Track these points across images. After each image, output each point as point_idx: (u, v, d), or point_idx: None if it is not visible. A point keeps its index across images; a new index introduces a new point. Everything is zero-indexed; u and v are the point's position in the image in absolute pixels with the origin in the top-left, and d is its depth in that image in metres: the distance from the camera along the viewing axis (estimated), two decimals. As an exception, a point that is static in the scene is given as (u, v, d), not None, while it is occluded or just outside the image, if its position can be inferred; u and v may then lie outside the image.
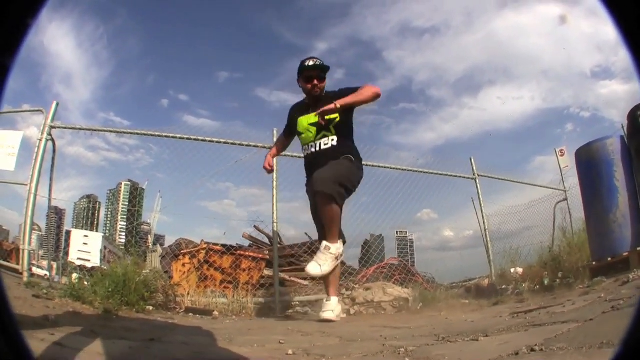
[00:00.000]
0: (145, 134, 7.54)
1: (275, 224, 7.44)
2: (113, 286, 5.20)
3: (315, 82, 5.60)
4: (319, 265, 5.15)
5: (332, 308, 5.41)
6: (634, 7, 0.89)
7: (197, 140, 7.42)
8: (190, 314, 5.78)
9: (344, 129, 5.60)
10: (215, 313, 5.93)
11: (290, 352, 2.65)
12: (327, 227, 5.24)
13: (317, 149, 5.57)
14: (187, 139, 7.43)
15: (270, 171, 6.16)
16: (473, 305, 6.66)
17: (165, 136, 7.43)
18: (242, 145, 7.65)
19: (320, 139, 5.57)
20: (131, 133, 7.79)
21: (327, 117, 5.36)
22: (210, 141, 7.44)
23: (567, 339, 2.40)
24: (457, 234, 11.62)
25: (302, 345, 2.99)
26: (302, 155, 5.83)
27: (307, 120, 5.66)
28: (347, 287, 7.30)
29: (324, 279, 5.63)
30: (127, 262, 6.03)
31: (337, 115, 5.44)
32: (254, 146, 7.68)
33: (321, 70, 5.68)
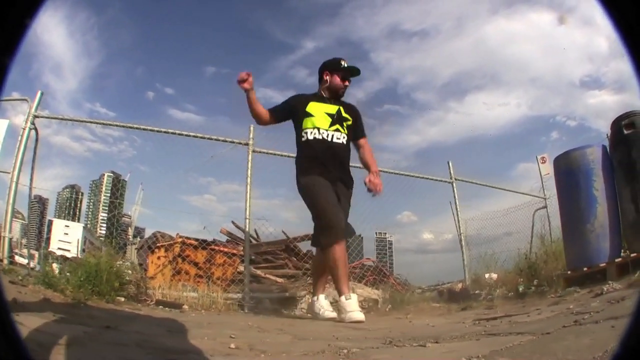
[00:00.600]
0: (125, 126, 7.59)
1: (247, 220, 7.44)
2: (85, 276, 5.29)
3: (347, 83, 5.92)
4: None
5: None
6: (633, 6, 0.88)
7: (175, 134, 7.49)
8: (160, 307, 5.83)
9: (351, 134, 5.83)
10: (185, 307, 5.98)
11: (233, 345, 2.72)
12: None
13: (330, 138, 5.66)
14: (166, 132, 7.50)
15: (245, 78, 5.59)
16: (442, 309, 6.68)
17: (144, 129, 7.50)
18: (219, 140, 7.72)
19: (334, 131, 5.69)
20: (114, 125, 7.83)
21: (343, 115, 5.78)
22: (187, 135, 7.51)
23: (513, 353, 2.39)
24: (436, 237, 11.69)
25: (251, 340, 3.05)
26: (304, 138, 5.72)
27: (322, 108, 5.79)
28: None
29: (315, 277, 5.84)
30: (101, 253, 6.12)
31: (351, 119, 5.81)
32: (230, 142, 7.75)
33: (358, 74, 6.07)
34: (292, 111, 5.86)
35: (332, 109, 5.78)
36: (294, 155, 6.13)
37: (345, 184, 5.72)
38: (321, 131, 5.67)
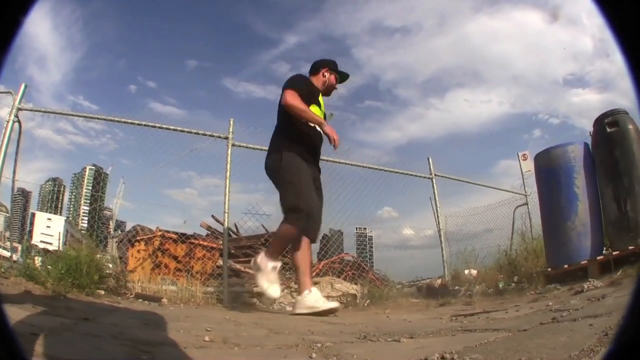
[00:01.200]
0: (106, 119, 7.56)
1: (226, 214, 7.48)
2: (65, 268, 5.31)
3: (337, 87, 6.30)
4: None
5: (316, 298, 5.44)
6: (630, 5, 0.88)
7: (155, 127, 7.50)
8: (139, 300, 5.86)
9: None
10: (164, 300, 6.01)
11: (207, 338, 2.77)
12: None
13: (320, 133, 5.81)
14: (145, 125, 7.51)
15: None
16: (420, 305, 6.71)
17: (125, 122, 7.50)
18: (199, 134, 7.73)
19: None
20: (96, 118, 7.81)
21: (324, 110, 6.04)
22: (167, 128, 7.54)
23: (486, 350, 2.36)
24: (417, 233, 11.70)
25: (226, 334, 3.09)
26: (304, 128, 5.73)
27: (321, 101, 6.01)
28: (296, 281, 7.36)
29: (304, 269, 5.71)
30: (81, 246, 6.13)
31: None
32: (210, 135, 7.76)
33: (347, 79, 6.45)
34: (309, 95, 5.85)
35: (322, 102, 6.03)
36: None
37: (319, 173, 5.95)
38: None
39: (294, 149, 5.60)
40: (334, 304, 5.49)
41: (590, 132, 6.77)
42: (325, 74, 6.09)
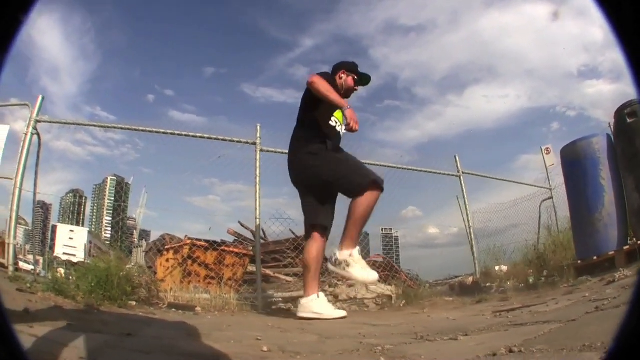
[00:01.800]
0: (130, 129, 7.50)
1: (257, 220, 7.37)
2: (95, 281, 5.21)
3: (357, 88, 6.00)
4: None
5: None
6: (628, 3, 0.89)
7: (181, 135, 7.39)
8: (173, 310, 5.72)
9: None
10: (198, 309, 5.88)
11: (265, 348, 2.66)
12: None
13: (342, 133, 5.81)
14: (172, 134, 7.39)
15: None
16: (456, 303, 6.65)
17: (150, 131, 7.41)
18: (226, 140, 7.64)
19: (342, 125, 5.71)
20: (116, 127, 7.72)
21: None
22: (194, 136, 7.43)
23: (547, 340, 2.38)
24: (442, 231, 11.66)
25: (278, 342, 2.99)
26: (329, 128, 5.74)
27: None
28: (330, 284, 7.31)
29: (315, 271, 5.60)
30: (110, 257, 6.05)
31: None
32: (237, 142, 7.67)
33: (368, 84, 6.17)
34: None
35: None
36: None
37: None
38: (338, 124, 5.77)
39: (316, 147, 5.57)
40: (341, 313, 5.37)
41: (609, 124, 7.09)
42: (342, 75, 5.92)
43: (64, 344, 2.35)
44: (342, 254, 5.22)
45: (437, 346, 2.73)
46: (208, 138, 7.55)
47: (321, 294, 5.47)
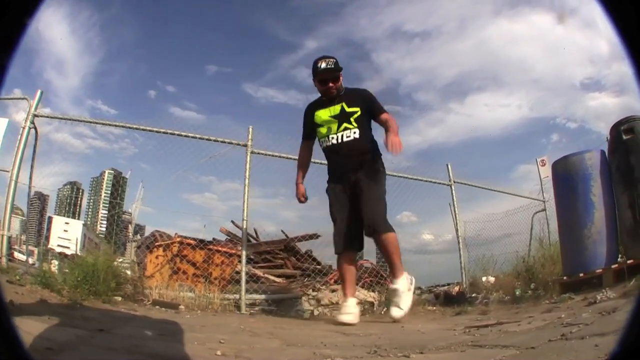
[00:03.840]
0: (125, 126, 7.60)
1: (245, 221, 7.46)
2: (82, 275, 5.33)
3: (330, 84, 5.78)
4: (401, 308, 5.52)
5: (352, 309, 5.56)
6: (634, 10, 0.89)
7: (174, 134, 7.48)
8: (157, 307, 5.84)
9: (365, 122, 5.80)
10: (181, 307, 5.99)
11: (219, 352, 2.72)
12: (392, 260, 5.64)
13: (340, 140, 5.72)
14: (164, 132, 7.50)
15: (304, 201, 6.16)
16: (436, 313, 6.72)
17: (143, 129, 7.53)
18: (217, 141, 7.71)
19: (342, 130, 5.71)
20: (112, 125, 7.83)
21: (347, 110, 5.76)
22: (186, 136, 7.50)
23: None
24: (436, 238, 11.66)
25: (240, 346, 3.06)
26: (322, 146, 5.93)
27: (327, 113, 5.82)
28: (314, 288, 7.37)
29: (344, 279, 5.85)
30: (99, 252, 6.15)
31: (358, 109, 5.75)
32: (229, 143, 7.73)
33: (334, 72, 5.81)
34: (312, 133, 6.01)
35: (336, 109, 5.78)
36: (293, 156, 6.68)
37: (367, 173, 5.73)
38: (330, 137, 5.78)
39: (328, 173, 6.00)
40: (347, 318, 5.39)
41: (606, 137, 6.79)
42: (315, 84, 5.93)
43: (36, 335, 2.47)
44: (399, 282, 5.60)
45: (383, 364, 2.75)
46: (200, 138, 7.62)
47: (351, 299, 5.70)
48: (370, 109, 5.84)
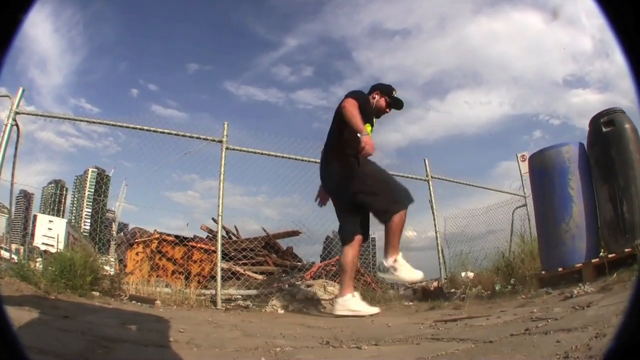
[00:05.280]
0: (104, 123, 7.70)
1: (220, 217, 7.47)
2: (59, 270, 5.43)
3: (388, 110, 6.44)
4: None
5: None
6: (630, 6, 0.90)
7: (149, 131, 7.54)
8: (133, 302, 5.90)
9: None
10: (158, 302, 6.05)
11: (172, 339, 2.85)
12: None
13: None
14: (140, 129, 7.54)
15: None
16: (412, 309, 6.71)
17: (122, 126, 7.58)
18: (192, 137, 7.74)
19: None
20: (93, 122, 7.85)
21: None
22: (162, 132, 7.59)
23: None
24: (419, 235, 11.70)
25: (196, 335, 3.13)
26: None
27: (370, 126, 6.10)
28: (289, 284, 7.48)
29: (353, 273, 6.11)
30: (77, 248, 6.23)
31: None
32: (204, 139, 7.76)
33: (399, 109, 6.56)
34: (363, 111, 5.94)
35: (374, 123, 6.27)
36: (268, 152, 7.22)
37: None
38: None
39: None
40: (374, 309, 5.75)
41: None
42: (375, 96, 6.33)
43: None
44: (388, 261, 5.76)
45: (331, 353, 2.83)
46: (176, 134, 7.68)
47: (356, 294, 5.92)
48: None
